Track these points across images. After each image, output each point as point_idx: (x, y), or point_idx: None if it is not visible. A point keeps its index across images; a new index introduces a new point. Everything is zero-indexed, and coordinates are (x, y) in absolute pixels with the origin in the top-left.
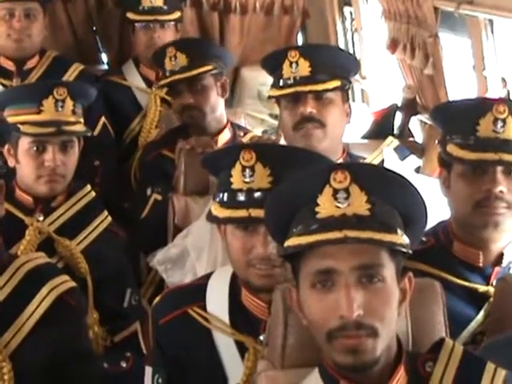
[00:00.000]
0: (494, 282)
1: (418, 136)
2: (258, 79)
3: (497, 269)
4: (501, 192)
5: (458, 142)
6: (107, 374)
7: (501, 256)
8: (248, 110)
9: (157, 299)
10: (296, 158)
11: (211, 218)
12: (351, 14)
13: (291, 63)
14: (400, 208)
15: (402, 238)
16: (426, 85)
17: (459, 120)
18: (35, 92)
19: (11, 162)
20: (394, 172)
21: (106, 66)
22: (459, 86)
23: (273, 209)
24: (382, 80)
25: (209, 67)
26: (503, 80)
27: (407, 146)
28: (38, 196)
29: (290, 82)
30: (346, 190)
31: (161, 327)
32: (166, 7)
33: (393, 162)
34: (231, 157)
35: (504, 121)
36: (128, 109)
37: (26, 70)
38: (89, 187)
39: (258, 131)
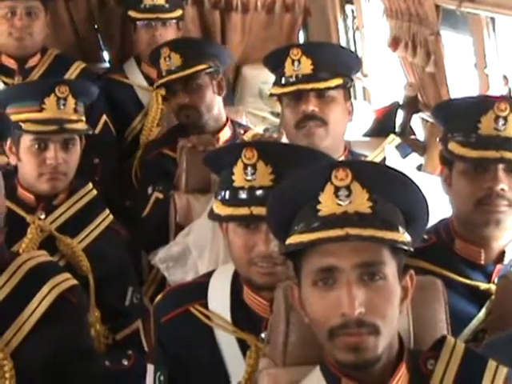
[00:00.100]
0: (495, 279)
1: (420, 134)
2: (260, 77)
3: (498, 266)
4: (502, 190)
5: (460, 140)
6: (109, 371)
7: (502, 254)
8: (249, 108)
9: (158, 297)
10: (298, 156)
11: (213, 215)
12: (353, 11)
13: (293, 61)
14: (401, 206)
15: (403, 236)
16: (428, 83)
17: (461, 118)
18: (37, 90)
19: (13, 160)
20: (395, 170)
21: (107, 64)
22: (461, 84)
23: (274, 207)
24: (383, 78)
25: (203, 66)
26: (505, 78)
27: (409, 144)
28: (39, 194)
29: (292, 80)
30: (348, 188)
31: (162, 325)
32: (167, 5)
33: (394, 160)
34: (233, 155)
35: (505, 119)
36: (129, 107)
37: (28, 68)
38: (90, 185)
39: (259, 129)
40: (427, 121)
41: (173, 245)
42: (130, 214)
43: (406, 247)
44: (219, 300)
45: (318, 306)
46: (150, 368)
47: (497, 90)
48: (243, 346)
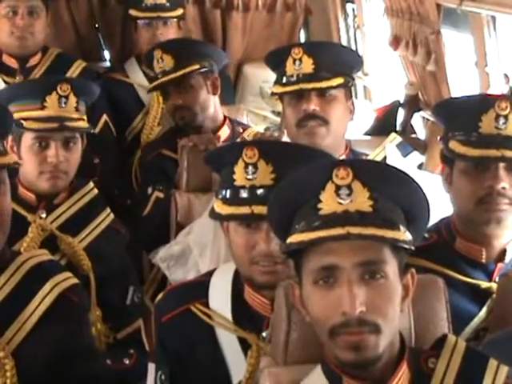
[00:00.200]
0: (496, 278)
1: (421, 132)
2: (261, 76)
3: (499, 265)
4: (503, 188)
5: (460, 139)
6: (110, 370)
7: (503, 252)
8: (250, 107)
9: (159, 296)
10: (299, 155)
11: (214, 214)
12: (353, 10)
13: (295, 60)
14: (402, 204)
15: (404, 235)
16: (429, 81)
17: (461, 117)
18: (38, 88)
19: None
20: (396, 168)
21: (108, 64)
22: (461, 83)
23: (275, 205)
24: (384, 77)
25: (195, 66)
26: (505, 76)
27: (410, 143)
28: (40, 193)
29: (294, 79)
30: (349, 187)
31: (163, 324)
32: (168, 4)
33: (395, 159)
34: (234, 154)
35: (506, 117)
36: (130, 106)
37: (29, 68)
38: (91, 184)
39: (260, 128)
40: (428, 119)
41: (174, 244)
42: (131, 213)
43: (407, 246)
44: (220, 299)
45: (319, 304)
46: (151, 367)
47: (497, 88)
48: (244, 345)
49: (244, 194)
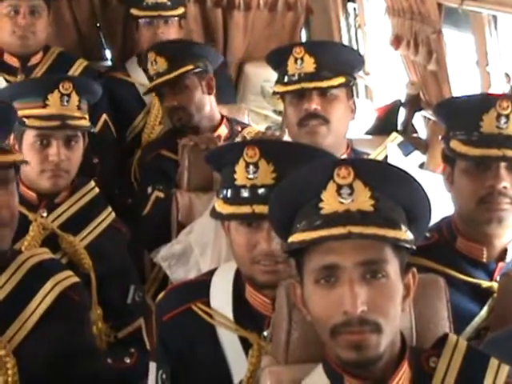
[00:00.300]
0: (497, 277)
1: (422, 132)
2: (262, 75)
3: (500, 264)
4: (504, 188)
5: (462, 138)
6: (111, 369)
7: (504, 251)
8: (252, 106)
9: (161, 295)
10: (300, 155)
11: (215, 214)
12: (355, 10)
13: (296, 59)
14: (404, 204)
15: (405, 234)
16: (430, 81)
17: (463, 116)
18: (41, 86)
19: None
20: (397, 168)
21: (109, 63)
22: (463, 82)
23: (276, 205)
24: (385, 76)
25: (189, 67)
26: (506, 76)
27: (411, 142)
28: (41, 192)
29: (295, 78)
30: (350, 186)
31: (165, 323)
32: (169, 3)
33: (396, 158)
34: (235, 153)
35: (507, 117)
36: (131, 105)
37: (30, 66)
38: (93, 183)
39: (261, 127)
40: (429, 119)
41: (175, 243)
42: (132, 212)
43: (408, 245)
44: (221, 298)
45: (321, 304)
46: (152, 366)
47: (499, 87)
48: (245, 344)
49: (245, 194)
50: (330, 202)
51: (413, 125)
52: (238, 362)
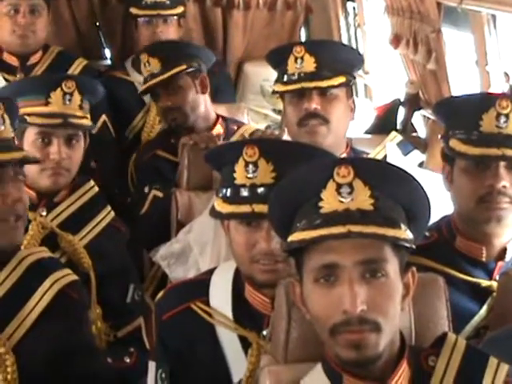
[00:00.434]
0: (497, 276)
1: (421, 131)
2: (261, 75)
3: (500, 263)
4: (504, 187)
5: (461, 137)
6: (111, 369)
7: (504, 251)
8: (251, 106)
9: (160, 294)
10: (299, 154)
11: (214, 213)
12: (354, 9)
13: (296, 59)
14: (403, 203)
15: (405, 233)
16: (429, 80)
17: (462, 115)
18: (43, 84)
19: None
20: (397, 167)
21: (109, 62)
22: (462, 81)
23: (276, 204)
24: (384, 75)
25: (182, 67)
26: (506, 75)
27: (410, 141)
28: (41, 190)
29: (295, 77)
30: (350, 185)
31: (164, 322)
32: (168, 2)
33: (396, 157)
34: (234, 152)
35: (507, 116)
36: (131, 104)
37: (30, 66)
38: (92, 182)
39: (261, 126)
40: (429, 118)
41: (174, 242)
42: (131, 212)
43: (407, 244)
44: (221, 297)
45: (320, 303)
46: (152, 365)
47: (498, 87)
48: (245, 344)
49: (244, 193)
50: (329, 201)
51: (412, 124)
52: (237, 361)
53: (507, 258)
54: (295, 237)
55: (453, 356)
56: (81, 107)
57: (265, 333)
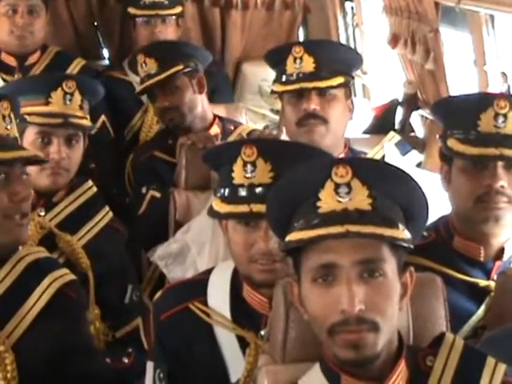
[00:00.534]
0: (494, 276)
1: (419, 131)
2: (259, 75)
3: (498, 263)
4: (502, 187)
5: (459, 137)
6: (109, 369)
7: (502, 250)
8: (249, 106)
9: (158, 294)
10: (297, 154)
11: (213, 213)
12: (352, 9)
13: (295, 59)
14: (401, 203)
15: (403, 233)
16: (427, 80)
17: (460, 115)
18: (44, 83)
19: None
20: (395, 167)
21: (107, 62)
22: (460, 81)
23: (274, 204)
24: (383, 75)
25: (179, 67)
26: (504, 75)
27: (408, 141)
28: (40, 190)
29: (294, 78)
30: (348, 185)
31: (162, 322)
32: (167, 2)
33: (394, 157)
34: (232, 152)
35: (505, 116)
36: (129, 104)
37: (28, 66)
38: (90, 183)
39: (259, 126)
40: (427, 118)
41: (172, 242)
42: (130, 212)
43: (405, 244)
44: (219, 297)
45: (318, 302)
46: (150, 365)
47: (496, 86)
48: (243, 343)
49: (242, 193)
50: (327, 200)
51: (410, 124)
52: (235, 360)
53: (505, 257)
54: (293, 236)
55: (450, 356)
56: (81, 107)
57: (263, 333)
